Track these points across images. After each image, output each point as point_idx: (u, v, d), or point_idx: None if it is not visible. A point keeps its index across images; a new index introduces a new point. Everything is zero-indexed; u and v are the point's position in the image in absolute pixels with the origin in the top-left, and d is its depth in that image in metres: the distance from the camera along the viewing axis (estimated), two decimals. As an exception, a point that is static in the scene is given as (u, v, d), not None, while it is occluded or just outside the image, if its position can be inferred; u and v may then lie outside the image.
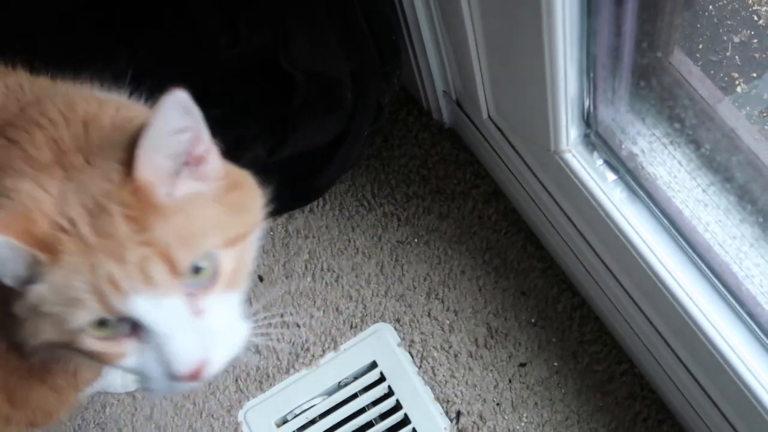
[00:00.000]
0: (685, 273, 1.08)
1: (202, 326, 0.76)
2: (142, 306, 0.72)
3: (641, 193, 1.12)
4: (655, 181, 1.09)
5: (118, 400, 1.39)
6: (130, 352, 0.76)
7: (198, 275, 0.75)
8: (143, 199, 0.73)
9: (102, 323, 0.74)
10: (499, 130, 1.32)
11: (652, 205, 1.11)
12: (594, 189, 1.14)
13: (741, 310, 1.05)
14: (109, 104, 0.83)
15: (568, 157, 1.16)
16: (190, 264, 0.74)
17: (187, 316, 0.75)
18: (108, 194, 0.72)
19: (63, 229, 0.71)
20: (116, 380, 1.36)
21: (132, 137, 0.73)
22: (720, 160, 1.05)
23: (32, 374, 0.91)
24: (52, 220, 0.72)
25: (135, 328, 0.75)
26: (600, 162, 1.15)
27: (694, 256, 1.08)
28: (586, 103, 1.11)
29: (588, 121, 1.14)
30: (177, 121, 0.73)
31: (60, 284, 0.71)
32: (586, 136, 1.16)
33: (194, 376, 0.76)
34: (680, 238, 1.09)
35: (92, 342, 0.75)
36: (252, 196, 0.84)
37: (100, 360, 0.77)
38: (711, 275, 1.07)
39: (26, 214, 0.72)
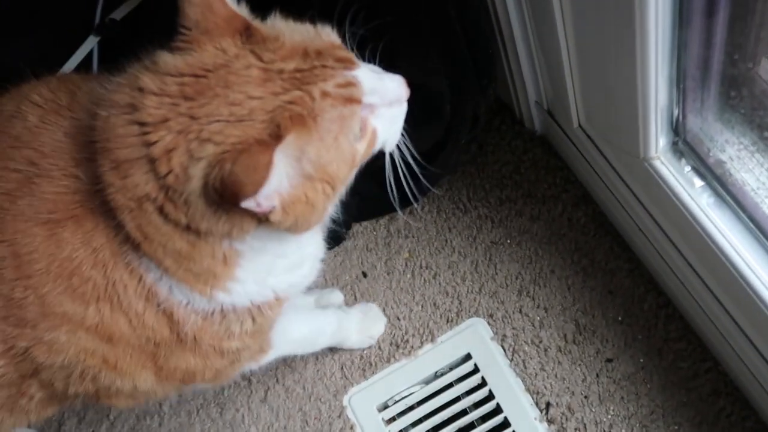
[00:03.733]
0: (771, 275, 1.05)
1: None
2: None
3: (728, 198, 1.10)
4: (743, 186, 1.07)
5: (236, 383, 1.43)
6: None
7: None
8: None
9: None
10: (589, 138, 1.31)
11: (739, 210, 1.09)
12: (682, 194, 1.12)
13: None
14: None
15: (657, 163, 1.14)
16: None
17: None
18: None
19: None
20: (351, 336, 1.40)
21: None
22: (808, 167, 1.02)
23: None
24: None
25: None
26: (688, 168, 1.13)
27: (782, 259, 1.05)
28: (675, 113, 1.10)
29: (677, 129, 1.12)
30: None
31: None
32: (675, 143, 1.14)
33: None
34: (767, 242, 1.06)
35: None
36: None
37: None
38: (798, 279, 1.04)
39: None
